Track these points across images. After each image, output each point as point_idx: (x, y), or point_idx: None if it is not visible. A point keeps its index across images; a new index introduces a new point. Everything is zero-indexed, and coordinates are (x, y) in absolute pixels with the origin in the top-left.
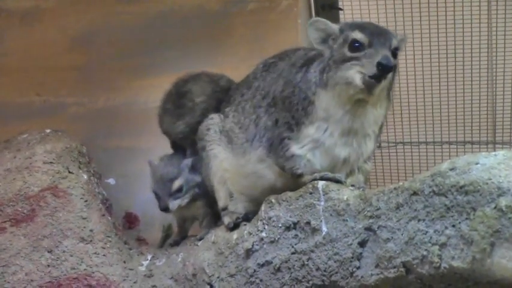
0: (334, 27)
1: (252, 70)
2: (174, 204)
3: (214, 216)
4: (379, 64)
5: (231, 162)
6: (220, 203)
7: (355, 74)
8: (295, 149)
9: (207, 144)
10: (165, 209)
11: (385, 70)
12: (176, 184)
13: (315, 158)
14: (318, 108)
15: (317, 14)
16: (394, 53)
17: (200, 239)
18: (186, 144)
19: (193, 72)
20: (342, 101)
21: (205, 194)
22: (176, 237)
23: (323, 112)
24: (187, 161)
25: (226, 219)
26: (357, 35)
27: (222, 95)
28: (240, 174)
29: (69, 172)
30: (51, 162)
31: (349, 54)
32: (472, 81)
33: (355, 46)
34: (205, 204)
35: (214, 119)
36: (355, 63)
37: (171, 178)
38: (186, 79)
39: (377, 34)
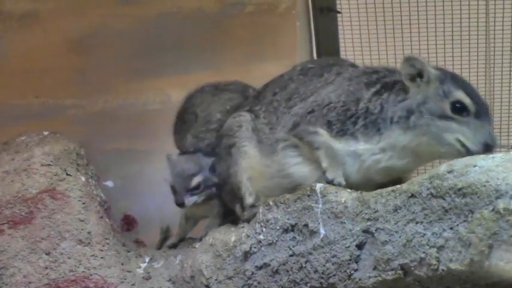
0: (432, 71)
1: (286, 71)
2: (190, 200)
3: (222, 218)
4: (486, 145)
5: (257, 162)
6: (250, 199)
7: (454, 140)
8: (321, 130)
9: (238, 141)
10: (181, 204)
11: (489, 151)
12: (195, 180)
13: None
14: (383, 138)
15: (315, 17)
16: None
17: (201, 239)
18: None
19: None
20: (418, 151)
21: (221, 195)
22: (175, 239)
23: (386, 144)
24: (208, 160)
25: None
26: (464, 99)
27: (230, 96)
28: (264, 174)
29: (67, 174)
30: (49, 165)
31: (450, 113)
32: None
33: (458, 108)
34: (220, 204)
35: (245, 116)
36: (456, 127)
37: (190, 174)
38: (190, 94)
39: (483, 105)
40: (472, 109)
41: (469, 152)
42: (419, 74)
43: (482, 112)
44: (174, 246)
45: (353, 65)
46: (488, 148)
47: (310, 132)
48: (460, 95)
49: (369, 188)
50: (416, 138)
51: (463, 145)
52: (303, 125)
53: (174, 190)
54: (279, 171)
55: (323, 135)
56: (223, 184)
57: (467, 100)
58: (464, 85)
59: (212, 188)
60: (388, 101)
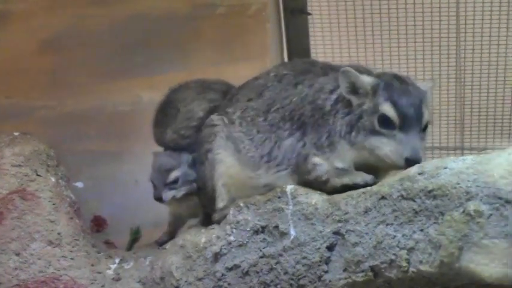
0: (366, 82)
1: (261, 74)
2: (168, 194)
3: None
4: (407, 160)
5: (237, 171)
6: (221, 204)
7: (384, 155)
8: (317, 160)
9: (213, 148)
10: (158, 199)
11: (412, 165)
12: (173, 175)
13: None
14: (339, 152)
15: (286, 19)
16: (426, 126)
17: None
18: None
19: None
20: (367, 162)
21: (200, 198)
22: (165, 236)
23: (344, 162)
24: (188, 156)
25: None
26: (389, 111)
27: (214, 96)
28: (246, 185)
29: (37, 175)
30: (19, 165)
31: (378, 128)
32: (440, 87)
33: (385, 121)
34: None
35: (219, 125)
36: (384, 141)
37: (168, 169)
38: (174, 88)
39: (410, 112)
40: (396, 122)
41: (397, 166)
42: (360, 88)
43: (406, 124)
44: (162, 243)
45: (325, 68)
46: (408, 162)
47: (310, 170)
48: (385, 108)
49: None
50: (359, 153)
51: (391, 160)
52: (301, 163)
53: (153, 185)
54: (267, 185)
55: (323, 164)
56: (203, 188)
57: (391, 113)
58: (394, 94)
59: (192, 183)
60: (338, 112)
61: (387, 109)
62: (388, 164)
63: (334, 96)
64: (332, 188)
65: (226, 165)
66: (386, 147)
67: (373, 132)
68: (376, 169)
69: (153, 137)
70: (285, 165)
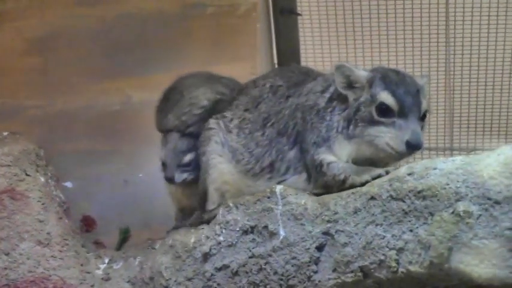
0: (361, 75)
1: (258, 81)
2: (180, 176)
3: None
4: (408, 143)
5: (233, 178)
6: (211, 206)
7: (384, 144)
8: (328, 158)
9: (207, 151)
10: (170, 179)
11: (414, 149)
12: (188, 157)
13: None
14: (335, 149)
15: (276, 19)
16: (424, 115)
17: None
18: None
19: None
20: (365, 155)
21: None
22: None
23: (342, 156)
24: None
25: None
26: (387, 99)
27: (221, 89)
28: (243, 192)
29: (27, 175)
30: (8, 165)
31: (377, 117)
32: (429, 87)
33: (384, 109)
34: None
35: (214, 129)
36: (383, 129)
37: (184, 150)
38: (182, 75)
39: (408, 99)
40: (395, 108)
41: (399, 153)
42: (356, 82)
43: (405, 110)
44: (176, 227)
45: (314, 75)
46: (410, 146)
47: (324, 170)
48: (383, 96)
49: None
50: (358, 147)
51: (392, 147)
52: (312, 167)
53: (164, 165)
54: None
55: (336, 162)
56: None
57: (389, 100)
58: (392, 83)
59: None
60: (335, 109)
61: (385, 97)
62: (388, 154)
63: (327, 95)
64: (351, 188)
65: (222, 171)
66: (386, 135)
67: (372, 122)
68: (374, 163)
69: (156, 125)
70: (290, 174)
